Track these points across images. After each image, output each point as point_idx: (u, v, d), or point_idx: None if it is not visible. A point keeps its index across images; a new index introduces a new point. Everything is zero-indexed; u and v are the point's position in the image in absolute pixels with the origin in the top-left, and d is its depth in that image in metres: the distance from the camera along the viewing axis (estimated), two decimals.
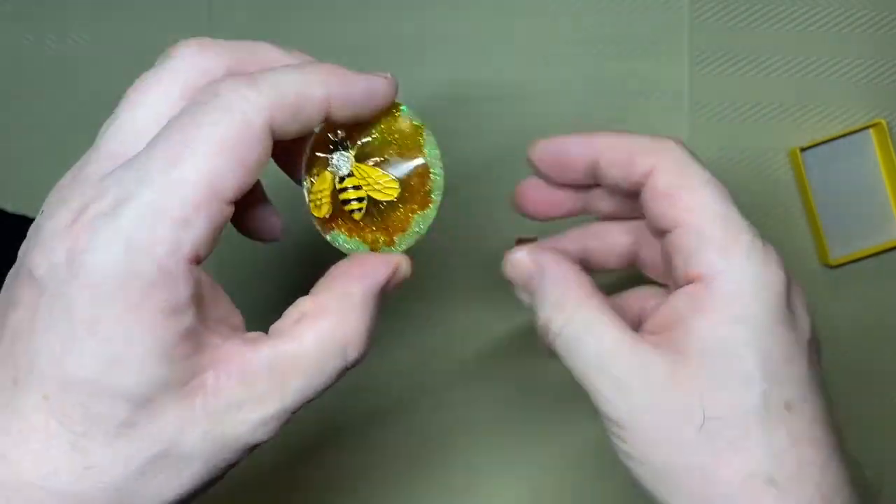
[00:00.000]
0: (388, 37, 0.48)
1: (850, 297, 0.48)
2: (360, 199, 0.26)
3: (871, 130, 0.48)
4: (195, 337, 0.19)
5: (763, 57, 0.48)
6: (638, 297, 0.29)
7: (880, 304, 0.48)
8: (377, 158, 0.26)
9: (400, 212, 0.27)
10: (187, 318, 0.19)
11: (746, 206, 0.49)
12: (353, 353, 0.23)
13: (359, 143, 0.26)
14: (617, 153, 0.25)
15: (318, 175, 0.26)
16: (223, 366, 0.20)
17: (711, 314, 0.23)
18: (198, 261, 0.20)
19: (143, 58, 0.29)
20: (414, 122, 0.28)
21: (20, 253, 0.23)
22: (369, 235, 0.27)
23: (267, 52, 0.23)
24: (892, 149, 0.46)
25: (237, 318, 0.23)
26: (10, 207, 0.49)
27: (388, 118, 0.28)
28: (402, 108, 0.28)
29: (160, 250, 0.18)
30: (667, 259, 0.25)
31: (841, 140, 0.47)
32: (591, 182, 0.27)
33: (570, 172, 0.28)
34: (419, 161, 0.28)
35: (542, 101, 0.48)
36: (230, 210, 0.20)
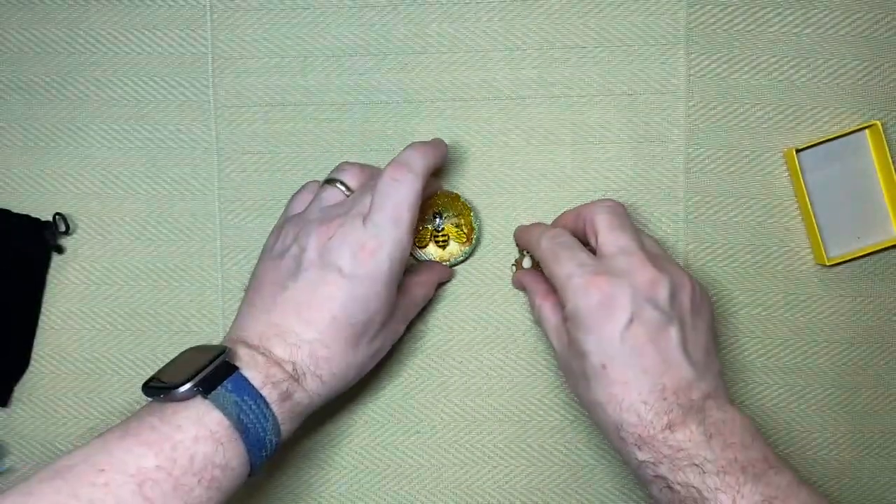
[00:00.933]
0: (387, 37, 0.49)
1: (846, 297, 0.49)
2: (444, 237, 0.49)
3: (866, 132, 0.48)
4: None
5: (759, 59, 0.48)
6: None
7: (876, 304, 0.49)
8: (450, 217, 0.49)
9: (455, 245, 0.49)
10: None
11: (743, 207, 0.49)
12: (429, 295, 0.47)
13: (442, 214, 0.49)
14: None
15: (421, 228, 0.49)
16: (396, 308, 0.43)
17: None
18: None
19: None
20: (461, 198, 0.49)
21: (317, 253, 0.40)
22: (441, 254, 0.49)
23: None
24: (887, 150, 0.47)
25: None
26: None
27: (450, 198, 0.48)
28: (455, 192, 0.49)
29: (400, 259, 0.41)
30: None
31: (836, 141, 0.48)
32: None
33: None
34: (467, 217, 0.49)
35: (540, 103, 0.49)
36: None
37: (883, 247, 0.47)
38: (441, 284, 0.49)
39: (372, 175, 0.43)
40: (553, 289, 0.42)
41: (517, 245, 0.49)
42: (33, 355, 0.50)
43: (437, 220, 0.48)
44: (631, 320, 0.38)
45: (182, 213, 0.50)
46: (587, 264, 0.40)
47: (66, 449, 0.50)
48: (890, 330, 0.49)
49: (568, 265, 0.40)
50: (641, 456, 0.37)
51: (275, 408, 0.37)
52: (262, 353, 0.38)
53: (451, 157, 0.49)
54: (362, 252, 0.39)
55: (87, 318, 0.50)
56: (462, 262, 0.49)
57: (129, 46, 0.49)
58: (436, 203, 0.48)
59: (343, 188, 0.43)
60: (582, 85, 0.49)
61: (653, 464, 0.37)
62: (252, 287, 0.42)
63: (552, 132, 0.49)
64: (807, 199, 0.47)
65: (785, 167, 0.49)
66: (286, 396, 0.38)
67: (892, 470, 0.49)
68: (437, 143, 0.44)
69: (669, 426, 0.37)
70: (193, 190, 0.50)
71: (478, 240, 0.49)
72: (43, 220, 0.49)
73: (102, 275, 0.50)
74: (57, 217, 0.49)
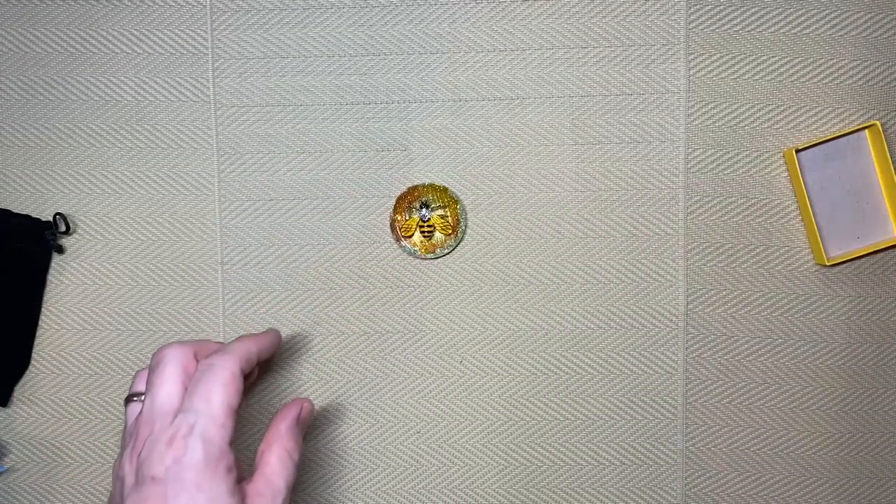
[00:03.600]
0: (387, 37, 0.49)
1: (846, 297, 0.49)
2: (430, 228, 0.49)
3: (866, 132, 0.48)
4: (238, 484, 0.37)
5: (759, 60, 0.48)
6: None
7: (876, 304, 0.49)
8: (437, 209, 0.49)
9: (442, 236, 0.49)
10: (235, 472, 0.36)
11: (742, 207, 0.49)
12: (296, 457, 0.40)
13: (429, 205, 0.49)
14: None
15: (408, 218, 0.49)
16: (248, 498, 0.37)
17: None
18: (231, 445, 0.36)
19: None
20: (449, 191, 0.49)
21: (133, 475, 0.36)
22: (426, 243, 0.49)
23: (209, 344, 0.40)
24: (886, 150, 0.47)
25: (243, 472, 0.39)
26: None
27: (439, 192, 0.49)
28: (443, 186, 0.49)
29: (218, 441, 0.35)
30: None
31: (836, 141, 0.48)
32: None
33: None
34: (453, 208, 0.49)
35: (540, 103, 0.49)
36: (236, 417, 0.37)
37: (883, 247, 0.47)
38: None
39: (156, 364, 0.38)
40: None
41: None
42: (33, 355, 0.50)
43: (424, 210, 0.49)
44: None
45: (182, 213, 0.50)
46: None
47: (66, 449, 0.50)
48: (890, 330, 0.49)
49: None
50: None
51: None
52: None
53: (450, 157, 0.49)
54: (172, 445, 0.34)
55: (87, 318, 0.50)
56: (448, 254, 0.49)
57: (129, 46, 0.49)
58: (424, 194, 0.49)
59: (140, 398, 0.39)
60: (582, 85, 0.49)
61: None
62: None
63: (552, 132, 0.49)
64: (807, 199, 0.47)
65: (785, 167, 0.49)
66: None
67: (892, 470, 0.49)
68: (265, 334, 0.43)
69: None
70: (193, 190, 0.50)
71: (463, 233, 0.49)
72: (43, 220, 0.49)
73: (102, 275, 0.50)
74: (57, 217, 0.49)
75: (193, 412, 0.35)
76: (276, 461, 0.38)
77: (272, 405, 0.50)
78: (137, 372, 0.40)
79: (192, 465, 0.34)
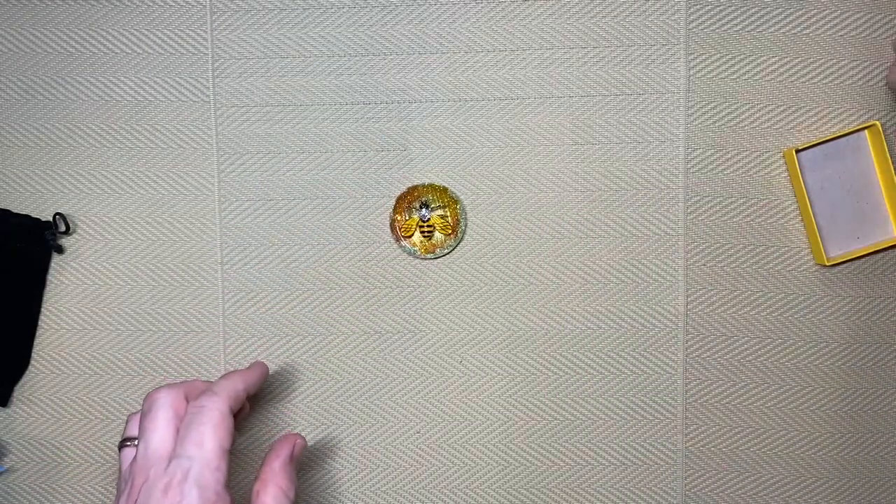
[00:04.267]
0: (387, 37, 0.49)
1: (846, 297, 0.49)
2: (430, 228, 0.49)
3: (866, 132, 0.48)
4: None
5: (758, 60, 0.48)
6: None
7: (876, 304, 0.49)
8: (437, 209, 0.49)
9: (442, 236, 0.49)
10: None
11: (742, 207, 0.49)
12: (291, 496, 0.40)
13: (429, 205, 0.49)
14: None
15: (408, 218, 0.49)
16: None
17: None
18: (225, 488, 0.36)
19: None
20: (448, 191, 0.49)
21: None
22: (426, 243, 0.49)
23: (196, 383, 0.40)
24: (886, 150, 0.47)
25: None
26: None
27: (439, 192, 0.49)
28: (443, 186, 0.49)
29: (213, 485, 0.36)
30: None
31: (836, 141, 0.48)
32: None
33: None
34: (453, 208, 0.49)
35: (540, 103, 0.49)
36: (229, 458, 0.38)
37: (882, 247, 0.47)
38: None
39: (147, 409, 0.39)
40: None
41: None
42: (33, 355, 0.50)
43: (424, 210, 0.49)
44: None
45: (182, 213, 0.50)
46: None
47: (66, 449, 0.50)
48: (890, 330, 0.49)
49: None
50: None
51: None
52: None
53: (450, 157, 0.49)
54: (168, 493, 0.35)
55: (87, 318, 0.50)
56: (448, 254, 0.49)
57: (129, 46, 0.49)
58: (424, 194, 0.49)
59: (133, 443, 0.40)
60: (582, 85, 0.49)
61: None
62: None
63: (552, 132, 0.49)
64: (807, 199, 0.47)
65: (785, 167, 0.49)
66: None
67: (892, 469, 0.49)
68: (252, 369, 0.43)
69: None
70: (193, 190, 0.50)
71: (463, 233, 0.49)
72: (43, 220, 0.49)
73: (102, 275, 0.50)
74: (57, 217, 0.49)
75: (187, 458, 0.36)
76: (271, 501, 0.38)
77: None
78: (130, 416, 0.41)
79: None
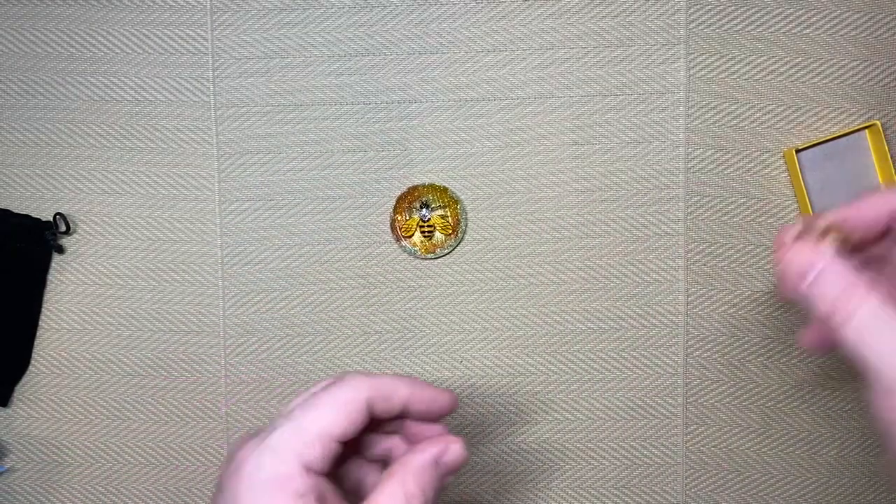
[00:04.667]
0: (387, 37, 0.49)
1: None
2: (430, 228, 0.49)
3: (866, 132, 0.48)
4: None
5: (758, 60, 0.48)
6: None
7: None
8: (437, 209, 0.49)
9: (442, 236, 0.49)
10: (309, 502, 0.29)
11: (742, 207, 0.49)
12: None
13: (429, 205, 0.49)
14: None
15: (408, 218, 0.49)
16: None
17: None
18: (314, 470, 0.29)
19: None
20: (449, 191, 0.49)
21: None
22: (426, 243, 0.49)
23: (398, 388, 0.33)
24: (887, 150, 0.47)
25: None
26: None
27: (439, 192, 0.49)
28: (444, 186, 0.49)
29: (290, 458, 0.29)
30: None
31: (836, 141, 0.48)
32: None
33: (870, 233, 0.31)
34: (453, 208, 0.49)
35: (540, 103, 0.49)
36: (337, 447, 0.30)
37: None
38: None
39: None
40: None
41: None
42: (33, 355, 0.50)
43: (424, 210, 0.49)
44: None
45: (182, 213, 0.50)
46: None
47: (66, 449, 0.50)
48: None
49: None
50: None
51: None
52: None
53: (450, 157, 0.49)
54: (243, 448, 0.30)
55: (87, 318, 0.50)
56: (448, 254, 0.49)
57: (129, 46, 0.49)
58: (424, 194, 0.49)
59: None
60: (582, 85, 0.49)
61: None
62: None
63: (552, 132, 0.49)
64: (807, 199, 0.47)
65: (785, 167, 0.49)
66: None
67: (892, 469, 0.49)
68: (433, 388, 0.34)
69: None
70: (193, 190, 0.50)
71: (463, 233, 0.49)
72: (43, 220, 0.49)
73: (102, 275, 0.50)
74: (57, 217, 0.49)
75: (286, 418, 0.30)
76: (386, 501, 0.29)
77: None
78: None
79: (251, 475, 0.29)
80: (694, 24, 0.48)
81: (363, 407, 0.31)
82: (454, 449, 0.32)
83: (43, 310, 0.50)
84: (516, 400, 0.49)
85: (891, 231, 0.30)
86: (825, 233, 0.28)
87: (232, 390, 0.50)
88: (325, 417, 0.30)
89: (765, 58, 0.48)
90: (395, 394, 0.32)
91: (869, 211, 0.29)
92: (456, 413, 0.50)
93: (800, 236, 0.29)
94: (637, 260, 0.49)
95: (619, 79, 0.49)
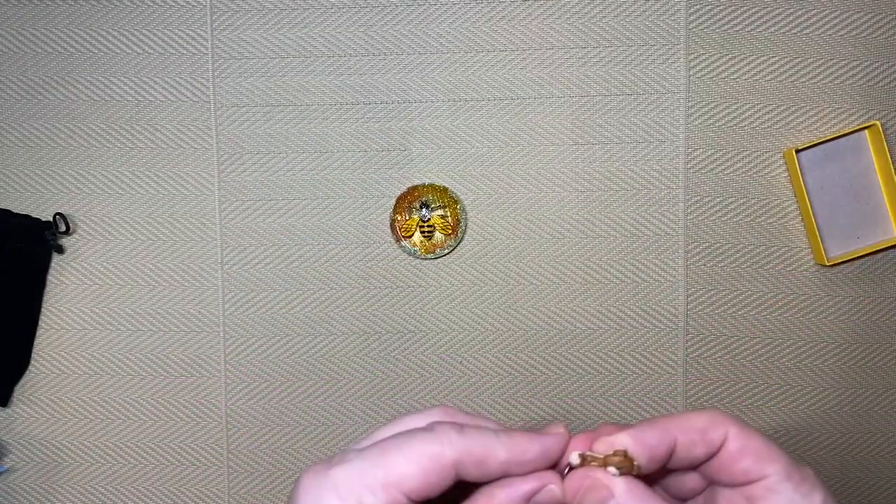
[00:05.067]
0: (387, 37, 0.49)
1: (846, 297, 0.49)
2: (430, 228, 0.49)
3: (866, 132, 0.48)
4: None
5: (759, 59, 0.48)
6: None
7: (876, 304, 0.49)
8: (437, 209, 0.49)
9: (442, 236, 0.49)
10: None
11: (742, 207, 0.49)
12: None
13: (429, 205, 0.49)
14: (691, 435, 0.27)
15: (408, 218, 0.49)
16: None
17: None
18: None
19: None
20: (449, 191, 0.49)
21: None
22: (426, 243, 0.49)
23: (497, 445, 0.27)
24: (886, 150, 0.47)
25: None
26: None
27: (439, 192, 0.49)
28: (444, 186, 0.49)
29: (350, 501, 0.25)
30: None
31: (836, 141, 0.48)
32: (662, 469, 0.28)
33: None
34: (453, 208, 0.49)
35: (540, 103, 0.49)
36: (408, 502, 0.26)
37: (883, 247, 0.47)
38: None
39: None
40: None
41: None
42: (33, 355, 0.50)
43: (424, 210, 0.49)
44: None
45: (182, 213, 0.50)
46: None
47: (66, 449, 0.50)
48: (890, 330, 0.49)
49: None
50: None
51: None
52: None
53: (450, 157, 0.49)
54: (295, 489, 0.26)
55: (87, 318, 0.50)
56: (448, 254, 0.49)
57: (129, 46, 0.49)
58: (424, 194, 0.49)
59: None
60: (582, 85, 0.49)
61: None
62: None
63: (552, 132, 0.49)
64: (807, 199, 0.47)
65: (785, 167, 0.49)
66: None
67: (892, 469, 0.49)
68: (539, 436, 0.28)
69: None
70: (193, 190, 0.50)
71: (463, 233, 0.49)
72: (43, 220, 0.49)
73: (102, 275, 0.50)
74: (57, 217, 0.49)
75: (359, 452, 0.26)
76: None
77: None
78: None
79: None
80: (694, 24, 0.48)
81: (448, 470, 0.26)
82: (550, 490, 0.26)
83: (43, 310, 0.50)
84: (516, 400, 0.49)
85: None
86: (609, 459, 0.26)
87: (232, 390, 0.50)
88: (399, 468, 0.26)
89: (765, 58, 0.48)
90: (492, 458, 0.26)
91: (650, 438, 0.27)
92: None
93: (583, 462, 0.26)
94: (637, 260, 0.49)
95: (619, 79, 0.49)
